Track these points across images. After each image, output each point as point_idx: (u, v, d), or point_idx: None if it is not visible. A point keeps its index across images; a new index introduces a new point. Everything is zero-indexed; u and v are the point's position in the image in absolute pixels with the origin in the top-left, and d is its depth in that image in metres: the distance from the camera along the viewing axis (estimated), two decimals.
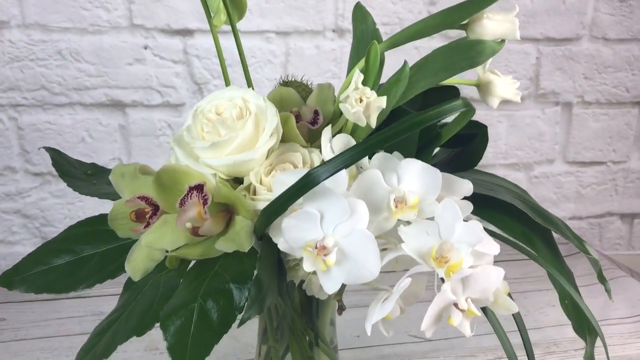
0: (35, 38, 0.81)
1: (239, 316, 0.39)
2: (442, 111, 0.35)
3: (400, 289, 0.36)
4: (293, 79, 0.53)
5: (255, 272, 0.39)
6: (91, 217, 0.52)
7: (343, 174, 0.38)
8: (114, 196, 0.49)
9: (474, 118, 0.52)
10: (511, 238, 0.45)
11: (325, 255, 0.36)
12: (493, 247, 0.38)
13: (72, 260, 0.49)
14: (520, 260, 1.01)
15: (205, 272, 0.41)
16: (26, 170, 0.86)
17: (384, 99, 0.40)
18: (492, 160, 1.01)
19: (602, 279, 0.53)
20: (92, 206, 0.87)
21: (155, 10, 0.82)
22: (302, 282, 0.47)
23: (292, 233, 0.37)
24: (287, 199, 0.36)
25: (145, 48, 0.84)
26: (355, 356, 0.73)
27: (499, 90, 0.51)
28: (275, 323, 0.54)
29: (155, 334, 0.78)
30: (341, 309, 0.40)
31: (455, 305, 0.38)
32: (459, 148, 0.51)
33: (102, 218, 0.49)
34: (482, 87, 0.50)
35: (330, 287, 0.37)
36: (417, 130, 0.38)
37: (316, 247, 0.36)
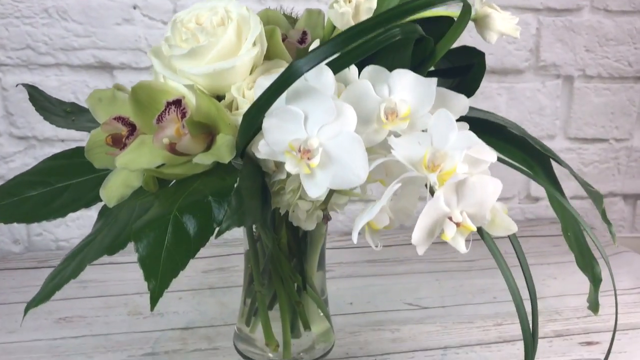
0: None
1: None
2: (427, 1, 0.33)
3: (390, 192, 0.34)
4: (283, 11, 0.51)
5: (236, 185, 0.37)
6: (67, 150, 0.50)
7: (330, 77, 0.36)
8: (92, 130, 0.46)
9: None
10: (511, 161, 0.43)
11: (309, 159, 0.34)
12: (489, 155, 0.35)
13: (45, 191, 0.47)
14: (523, 237, 0.99)
15: (183, 189, 0.39)
16: (10, 134, 0.83)
17: (374, 3, 0.38)
18: None
19: (606, 220, 0.51)
20: None
21: None
22: (288, 215, 0.45)
23: (274, 134, 0.35)
24: (269, 97, 0.34)
25: (135, 8, 0.82)
26: (348, 321, 0.70)
27: (497, 25, 0.48)
28: (261, 266, 0.51)
29: (140, 300, 0.76)
30: (326, 218, 0.38)
31: (450, 219, 0.35)
32: (456, 79, 0.49)
33: (79, 150, 0.47)
34: (480, 22, 0.48)
35: (314, 192, 0.34)
36: (399, 31, 0.35)
37: (299, 151, 0.34)
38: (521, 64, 0.97)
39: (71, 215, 0.55)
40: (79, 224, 0.89)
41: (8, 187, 0.47)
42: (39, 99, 0.53)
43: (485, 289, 0.79)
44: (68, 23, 0.81)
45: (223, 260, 0.85)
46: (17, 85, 0.71)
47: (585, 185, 0.49)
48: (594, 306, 0.49)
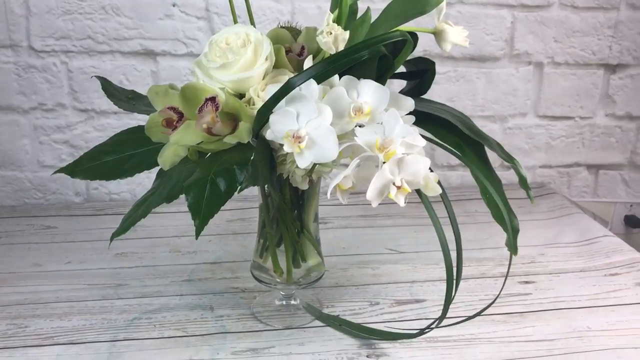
0: None
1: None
2: (382, 38, 0.48)
3: (352, 165, 0.50)
4: (289, 24, 0.67)
5: (252, 158, 0.53)
6: (131, 127, 0.66)
7: (315, 87, 0.52)
8: (148, 112, 0.63)
9: (437, 64, 0.65)
10: (445, 144, 0.59)
11: (299, 141, 0.50)
12: (420, 141, 0.52)
13: (117, 157, 0.64)
14: None
15: (216, 160, 0.55)
16: (74, 107, 1.01)
17: (347, 32, 0.53)
18: (471, 111, 1.14)
19: (524, 186, 0.65)
20: None
21: None
22: (289, 178, 0.61)
23: (277, 125, 0.51)
24: (274, 100, 0.50)
25: (174, 6, 0.98)
26: (340, 260, 0.87)
27: (450, 37, 0.62)
28: (271, 214, 0.68)
29: (178, 241, 0.93)
30: (312, 181, 0.54)
31: (393, 183, 0.52)
32: (414, 81, 0.65)
33: (140, 128, 0.63)
34: (438, 35, 0.63)
35: (302, 164, 0.50)
36: (367, 53, 0.51)
37: (293, 137, 0.50)
38: (497, 52, 1.11)
39: None
40: (127, 181, 1.07)
41: (91, 153, 0.65)
42: (109, 88, 0.70)
43: (453, 240, 0.95)
44: (120, 18, 0.97)
45: (244, 212, 1.02)
46: (92, 77, 0.88)
47: (510, 161, 0.64)
48: (512, 249, 0.65)
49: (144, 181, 1.07)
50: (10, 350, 0.65)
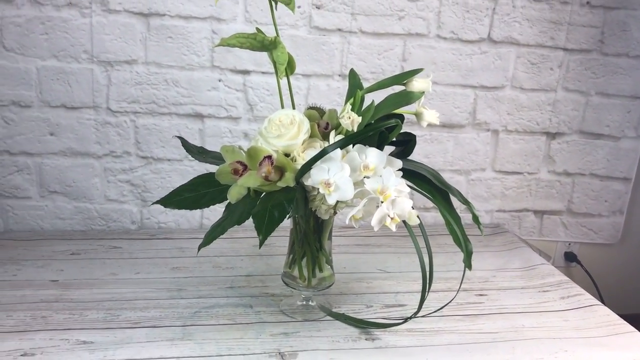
0: (152, 71, 1.21)
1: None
2: (383, 124, 0.75)
3: (362, 203, 0.76)
4: (315, 105, 0.93)
5: (295, 197, 0.79)
6: (204, 174, 0.90)
7: (339, 152, 0.78)
8: (215, 163, 0.88)
9: (414, 132, 0.92)
10: (422, 191, 0.85)
11: (329, 187, 0.76)
12: (406, 188, 0.78)
13: (196, 194, 0.88)
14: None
15: (270, 197, 0.80)
16: (137, 154, 1.26)
17: (360, 118, 0.80)
18: (442, 166, 1.41)
19: (476, 222, 0.91)
20: (177, 180, 1.26)
21: (227, 57, 1.23)
22: (315, 211, 0.87)
23: (315, 176, 0.77)
24: (314, 160, 0.76)
25: (220, 81, 1.24)
26: (342, 277, 1.11)
27: (426, 117, 0.89)
28: (299, 236, 0.93)
29: (219, 259, 1.17)
30: (335, 213, 0.80)
31: (388, 215, 0.77)
32: (402, 147, 0.91)
33: (211, 174, 0.87)
34: (417, 116, 0.89)
35: (330, 201, 0.76)
36: (373, 132, 0.77)
37: (325, 183, 0.76)
38: (463, 121, 1.39)
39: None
40: (174, 213, 1.31)
41: (176, 191, 0.89)
42: (187, 145, 0.95)
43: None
44: (178, 89, 1.23)
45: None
46: (173, 137, 1.13)
47: (465, 202, 0.90)
48: (467, 265, 0.90)
49: (187, 214, 1.32)
50: (111, 330, 0.88)
